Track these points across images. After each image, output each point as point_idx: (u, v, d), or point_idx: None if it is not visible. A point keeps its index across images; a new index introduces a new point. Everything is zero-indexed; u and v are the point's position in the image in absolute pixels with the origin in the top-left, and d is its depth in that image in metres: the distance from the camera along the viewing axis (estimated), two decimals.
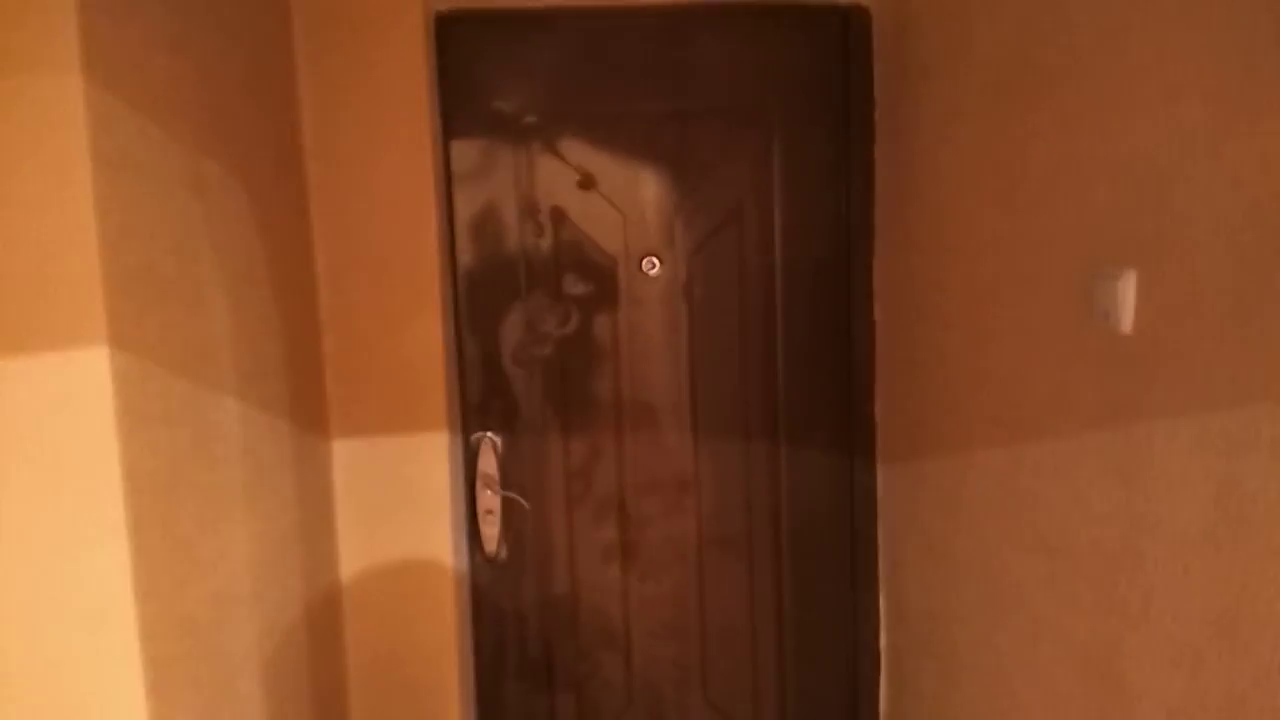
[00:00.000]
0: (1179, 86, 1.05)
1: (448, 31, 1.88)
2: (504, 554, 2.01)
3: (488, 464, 1.97)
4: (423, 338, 1.84)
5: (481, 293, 1.98)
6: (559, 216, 1.98)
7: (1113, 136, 1.17)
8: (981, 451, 1.57)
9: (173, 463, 1.11)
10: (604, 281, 2.01)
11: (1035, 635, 1.42)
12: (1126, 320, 1.15)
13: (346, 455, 1.86)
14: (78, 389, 0.97)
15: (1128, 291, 1.15)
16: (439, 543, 1.89)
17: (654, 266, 2.00)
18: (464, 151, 1.93)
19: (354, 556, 1.87)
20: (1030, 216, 1.38)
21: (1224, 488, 1.01)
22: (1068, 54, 1.26)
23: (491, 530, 1.97)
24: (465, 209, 1.95)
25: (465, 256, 1.96)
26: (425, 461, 1.87)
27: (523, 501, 2.00)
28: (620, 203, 1.99)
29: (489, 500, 1.97)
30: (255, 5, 1.57)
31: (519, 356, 2.00)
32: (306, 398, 1.70)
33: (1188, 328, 1.05)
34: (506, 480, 1.99)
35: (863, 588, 2.09)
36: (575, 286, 2.01)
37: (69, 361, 0.97)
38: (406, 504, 1.88)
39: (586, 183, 1.98)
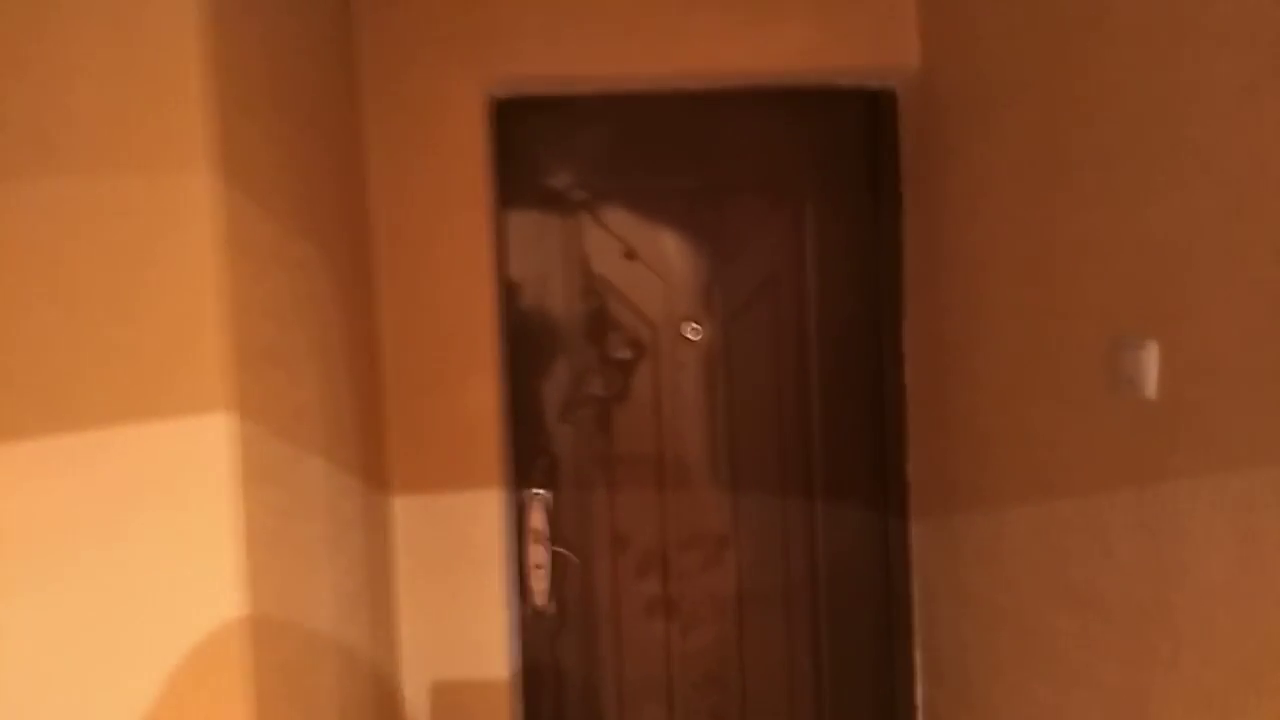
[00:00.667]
0: (1191, 171, 1.16)
1: (504, 116, 2.02)
2: (552, 607, 2.09)
3: (537, 519, 2.06)
4: (478, 399, 1.95)
5: (532, 356, 2.09)
6: (605, 284, 2.10)
7: (1131, 216, 1.28)
8: (1014, 508, 1.65)
9: (278, 518, 1.22)
10: (646, 345, 2.12)
11: (1069, 685, 1.50)
12: (1150, 386, 1.25)
13: (406, 511, 1.96)
14: (205, 451, 1.08)
15: (1150, 360, 1.24)
16: (491, 595, 1.98)
17: (694, 332, 2.11)
18: (518, 225, 2.07)
19: (412, 608, 1.96)
20: (1055, 288, 1.49)
21: (1246, 542, 1.09)
22: (1088, 140, 1.38)
23: (541, 584, 2.05)
24: (518, 279, 2.08)
25: (517, 322, 2.08)
26: (479, 517, 1.97)
27: (571, 556, 2.09)
28: (662, 271, 2.11)
29: (538, 555, 2.06)
30: (336, 98, 1.71)
31: (567, 416, 2.11)
32: (372, 457, 1.80)
33: (1208, 393, 1.15)
34: (555, 535, 2.09)
35: (898, 642, 2.15)
36: (619, 350, 2.12)
37: (197, 426, 1.08)
38: (461, 558, 1.97)
39: (630, 253, 2.10)
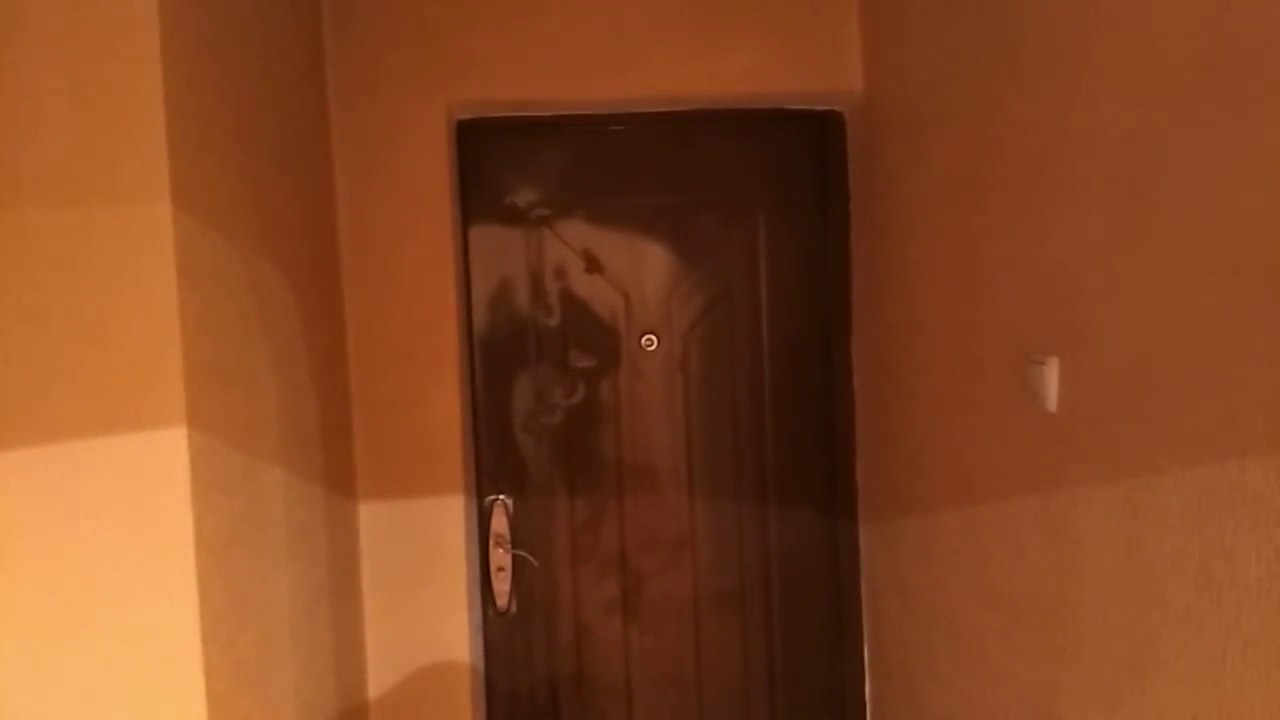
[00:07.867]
0: (1085, 206, 1.24)
1: (468, 137, 2.11)
2: (514, 608, 2.18)
3: (499, 524, 2.15)
4: (441, 409, 2.04)
5: (495, 367, 2.18)
6: (567, 297, 2.19)
7: (1038, 243, 1.37)
8: (944, 513, 1.74)
9: (230, 524, 1.30)
10: (607, 356, 2.21)
11: (991, 682, 1.58)
12: (1052, 400, 1.33)
13: (371, 516, 2.04)
14: (159, 463, 1.16)
15: (1052, 375, 1.33)
16: (455, 598, 2.06)
17: (652, 343, 2.20)
18: (481, 241, 2.16)
19: (377, 610, 2.05)
20: (976, 306, 1.57)
21: (1131, 546, 1.18)
22: (1001, 170, 1.47)
23: (503, 586, 2.14)
24: (481, 293, 2.17)
25: (480, 335, 2.17)
26: (443, 522, 2.05)
27: (532, 559, 2.18)
28: (622, 285, 2.20)
29: (500, 558, 2.14)
30: (303, 123, 1.80)
31: (529, 424, 2.20)
32: (337, 465, 1.89)
33: (1099, 407, 1.23)
34: (517, 539, 2.17)
35: (848, 640, 2.24)
36: (581, 360, 2.21)
37: (152, 440, 1.16)
38: (425, 561, 2.06)
39: (591, 267, 2.19)
